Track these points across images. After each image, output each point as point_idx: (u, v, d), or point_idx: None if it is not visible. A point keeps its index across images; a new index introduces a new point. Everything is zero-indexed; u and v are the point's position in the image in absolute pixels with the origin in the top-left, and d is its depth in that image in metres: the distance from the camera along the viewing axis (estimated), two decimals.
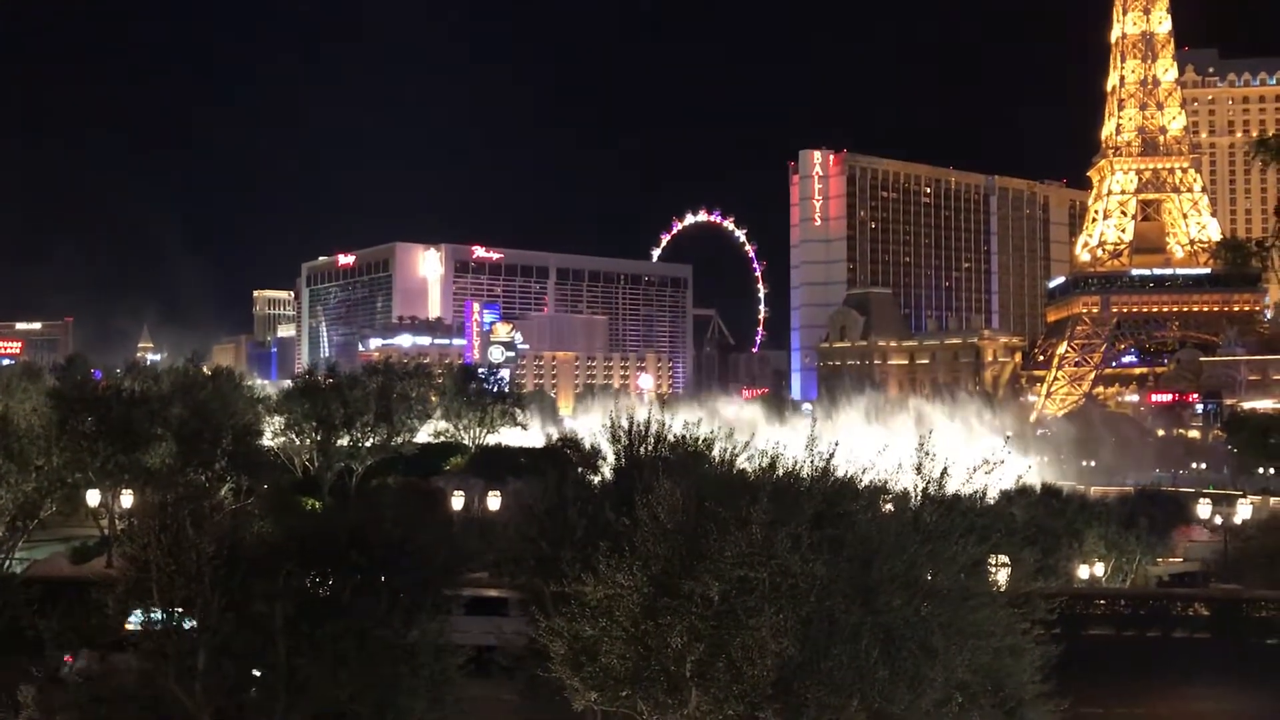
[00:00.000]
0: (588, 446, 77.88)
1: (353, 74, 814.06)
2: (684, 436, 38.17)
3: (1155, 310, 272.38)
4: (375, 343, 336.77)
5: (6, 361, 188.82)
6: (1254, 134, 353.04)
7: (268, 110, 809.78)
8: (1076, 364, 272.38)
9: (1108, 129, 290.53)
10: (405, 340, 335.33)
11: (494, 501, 68.23)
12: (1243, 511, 79.22)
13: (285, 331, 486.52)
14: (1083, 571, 66.44)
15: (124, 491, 59.66)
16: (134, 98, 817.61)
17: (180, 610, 24.78)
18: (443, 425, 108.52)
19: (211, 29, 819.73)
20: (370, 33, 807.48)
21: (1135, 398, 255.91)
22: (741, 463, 32.71)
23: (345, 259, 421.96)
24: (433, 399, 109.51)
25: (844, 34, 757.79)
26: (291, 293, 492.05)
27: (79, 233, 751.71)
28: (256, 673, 25.33)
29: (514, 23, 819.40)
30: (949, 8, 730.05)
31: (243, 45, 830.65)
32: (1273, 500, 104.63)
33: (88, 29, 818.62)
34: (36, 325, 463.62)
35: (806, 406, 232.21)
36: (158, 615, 24.85)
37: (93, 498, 61.45)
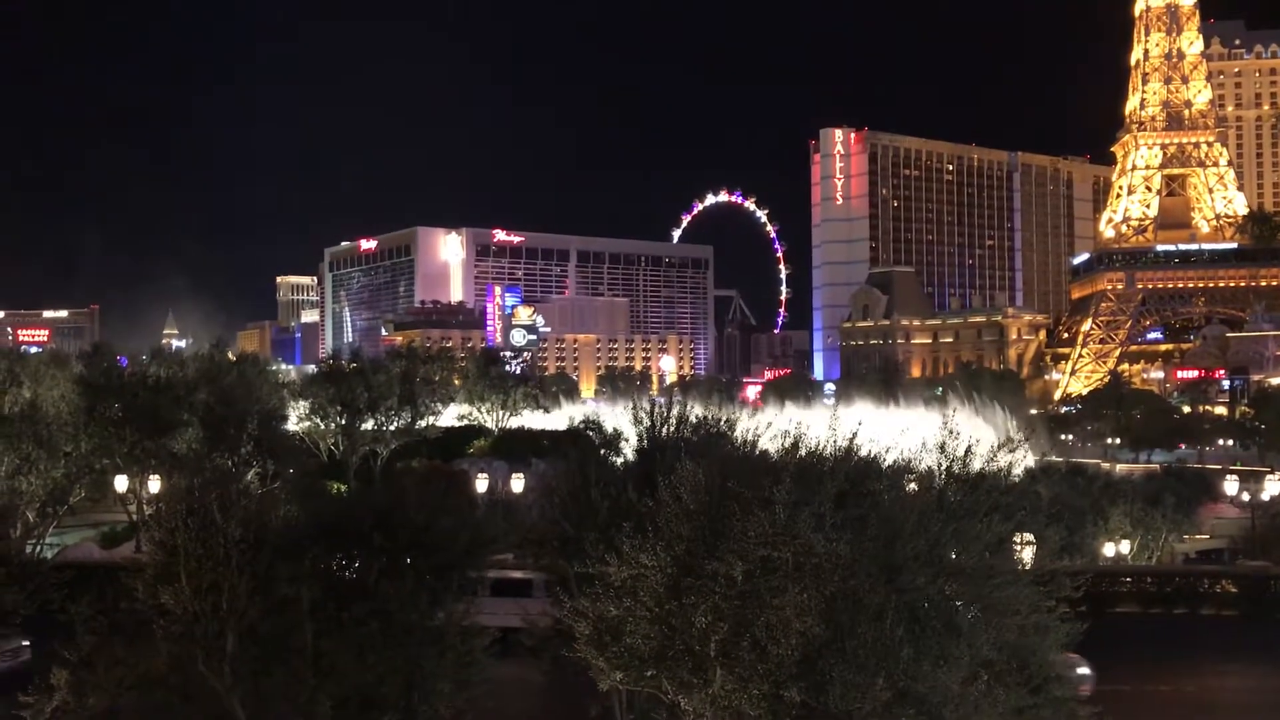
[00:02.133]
0: (610, 428, 78.06)
1: (374, 60, 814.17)
2: (706, 417, 38.17)
3: (1181, 286, 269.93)
4: (398, 327, 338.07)
5: (34, 349, 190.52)
6: None
7: (290, 96, 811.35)
8: (1101, 341, 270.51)
9: (1132, 103, 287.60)
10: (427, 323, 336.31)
11: (517, 484, 68.58)
12: (1270, 488, 78.63)
13: (309, 317, 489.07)
14: (1108, 549, 66.22)
15: (151, 477, 60.19)
16: (157, 86, 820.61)
17: (208, 594, 24.99)
18: (466, 409, 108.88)
19: (233, 16, 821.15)
20: (391, 19, 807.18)
21: (1161, 374, 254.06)
22: (764, 443, 32.68)
23: (367, 244, 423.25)
24: (455, 382, 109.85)
25: (865, 11, 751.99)
26: (314, 278, 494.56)
27: (104, 221, 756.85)
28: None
29: (535, 6, 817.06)
30: None
31: (266, 31, 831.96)
32: None
33: (114, 16, 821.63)
34: (63, 313, 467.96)
35: (829, 387, 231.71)
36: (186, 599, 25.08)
37: (121, 483, 62.03)
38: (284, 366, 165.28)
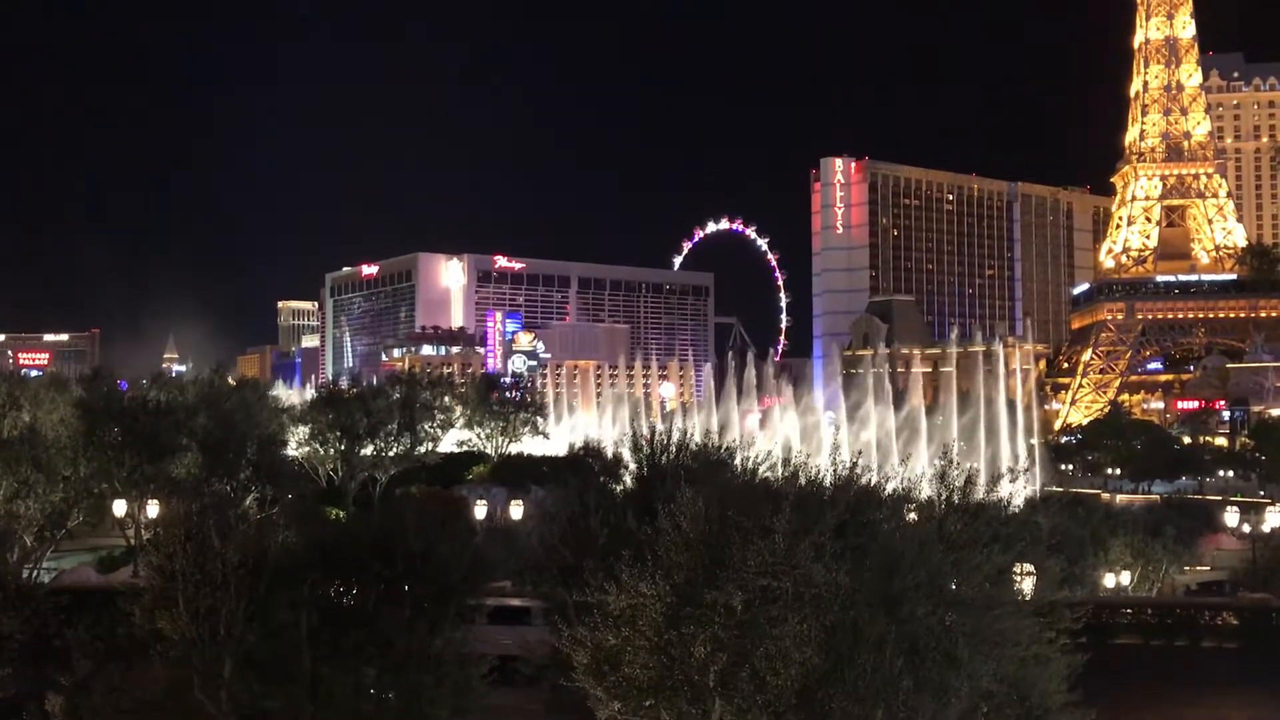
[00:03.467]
0: (610, 455, 78.04)
1: (374, 84, 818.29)
2: (706, 445, 38.17)
3: (1181, 316, 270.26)
4: (398, 353, 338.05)
5: (34, 373, 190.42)
6: (1279, 139, 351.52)
7: (292, 120, 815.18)
8: (1101, 371, 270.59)
9: (1131, 135, 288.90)
10: (428, 349, 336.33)
11: (516, 510, 68.38)
12: (1271, 520, 78.38)
13: (309, 342, 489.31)
14: (1109, 580, 65.98)
15: (150, 501, 60.01)
16: (158, 109, 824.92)
17: (206, 619, 24.90)
18: (465, 435, 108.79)
19: (232, 38, 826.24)
20: (392, 43, 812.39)
21: (1161, 405, 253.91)
22: (764, 471, 32.67)
23: (369, 269, 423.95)
24: (456, 409, 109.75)
25: (866, 42, 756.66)
26: (315, 303, 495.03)
27: (105, 245, 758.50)
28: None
29: (536, 33, 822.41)
30: (971, 16, 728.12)
31: (266, 55, 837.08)
32: None
33: (112, 37, 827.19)
34: (64, 336, 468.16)
35: (829, 415, 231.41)
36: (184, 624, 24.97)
37: (119, 508, 61.84)
38: (284, 392, 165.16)
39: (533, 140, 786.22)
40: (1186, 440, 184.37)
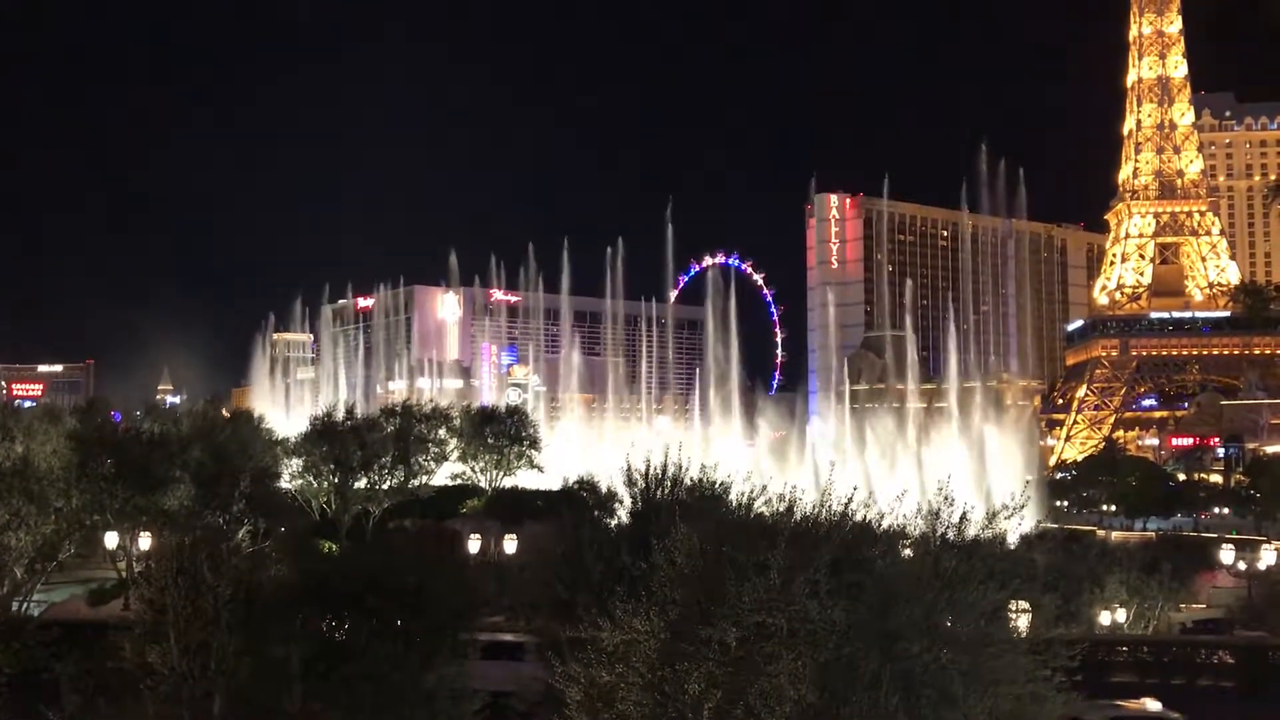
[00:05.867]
0: (604, 490, 77.83)
1: (371, 116, 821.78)
2: (701, 480, 38.09)
3: (1175, 353, 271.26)
4: (394, 385, 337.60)
5: (28, 404, 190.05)
6: (1272, 177, 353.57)
7: (288, 151, 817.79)
8: (1096, 407, 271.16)
9: (1125, 172, 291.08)
10: (423, 382, 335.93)
11: (510, 545, 68.07)
12: (1267, 557, 78.30)
13: (304, 374, 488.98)
14: (1104, 617, 65.78)
15: (142, 534, 59.71)
16: (153, 138, 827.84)
17: (197, 654, 24.73)
18: (459, 468, 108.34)
19: (233, 75, 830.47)
20: (390, 74, 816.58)
21: (1155, 441, 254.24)
22: (759, 507, 32.56)
23: (364, 302, 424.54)
24: (450, 442, 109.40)
25: (863, 77, 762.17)
26: (310, 335, 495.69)
27: (101, 274, 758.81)
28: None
29: (535, 65, 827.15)
30: (965, 54, 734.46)
31: (264, 87, 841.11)
32: None
33: (104, 56, 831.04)
34: (58, 367, 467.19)
35: (823, 450, 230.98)
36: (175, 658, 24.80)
37: (111, 540, 61.49)
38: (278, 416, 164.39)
39: (531, 175, 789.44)
40: (1181, 477, 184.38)
